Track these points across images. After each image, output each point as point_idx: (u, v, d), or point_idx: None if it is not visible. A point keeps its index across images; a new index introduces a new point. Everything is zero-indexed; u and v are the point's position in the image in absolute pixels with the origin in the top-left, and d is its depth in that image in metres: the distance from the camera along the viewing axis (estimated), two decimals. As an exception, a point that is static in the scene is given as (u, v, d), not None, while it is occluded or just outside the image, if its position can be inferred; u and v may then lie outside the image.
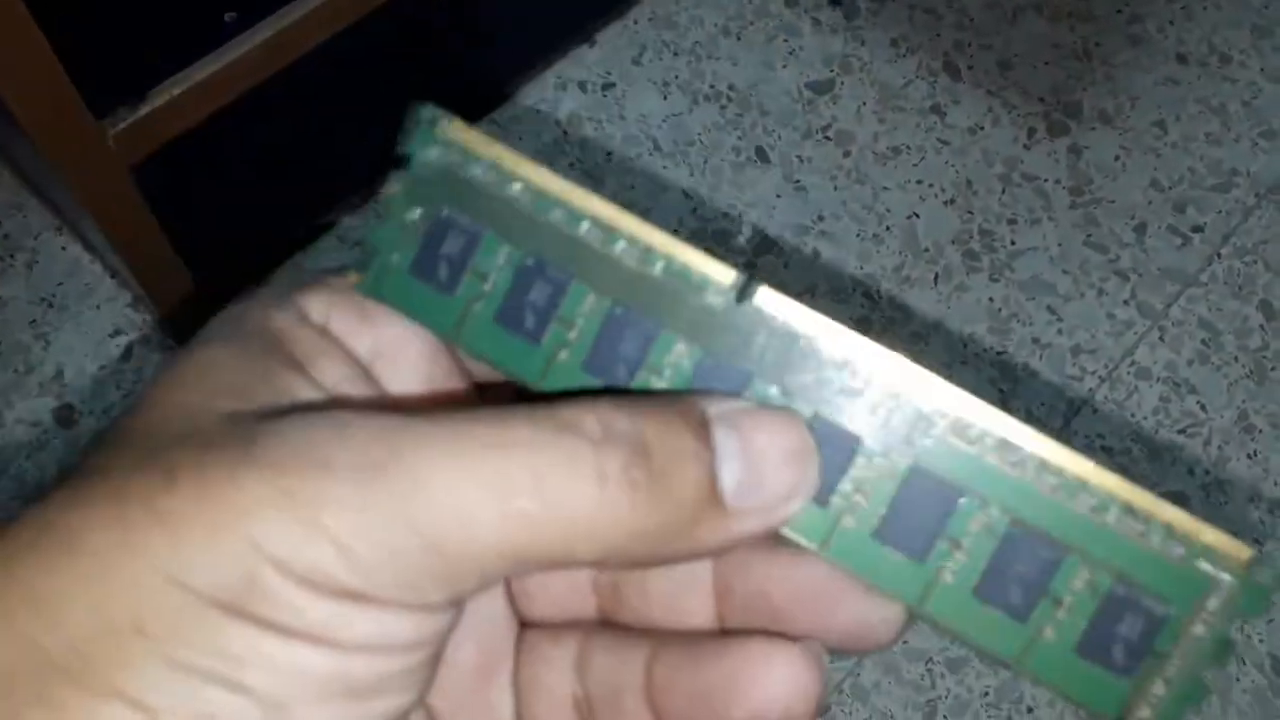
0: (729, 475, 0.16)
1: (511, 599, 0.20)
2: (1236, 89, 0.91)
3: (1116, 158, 0.87)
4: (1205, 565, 0.16)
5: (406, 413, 0.16)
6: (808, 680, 0.17)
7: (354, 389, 0.18)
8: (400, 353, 0.18)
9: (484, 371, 0.19)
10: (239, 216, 0.75)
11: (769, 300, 0.17)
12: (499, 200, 0.17)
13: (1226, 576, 0.16)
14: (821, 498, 0.17)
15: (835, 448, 0.17)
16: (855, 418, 0.17)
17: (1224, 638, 0.16)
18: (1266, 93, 0.91)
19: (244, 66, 0.61)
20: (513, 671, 0.20)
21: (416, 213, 0.18)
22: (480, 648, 0.20)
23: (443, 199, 0.18)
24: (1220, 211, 0.86)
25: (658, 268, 0.17)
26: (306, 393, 0.17)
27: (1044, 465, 0.16)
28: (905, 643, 0.70)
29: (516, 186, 0.17)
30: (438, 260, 0.18)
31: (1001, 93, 0.89)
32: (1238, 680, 0.70)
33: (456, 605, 0.16)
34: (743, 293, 0.17)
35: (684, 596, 0.19)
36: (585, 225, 0.17)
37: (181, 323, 0.74)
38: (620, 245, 0.17)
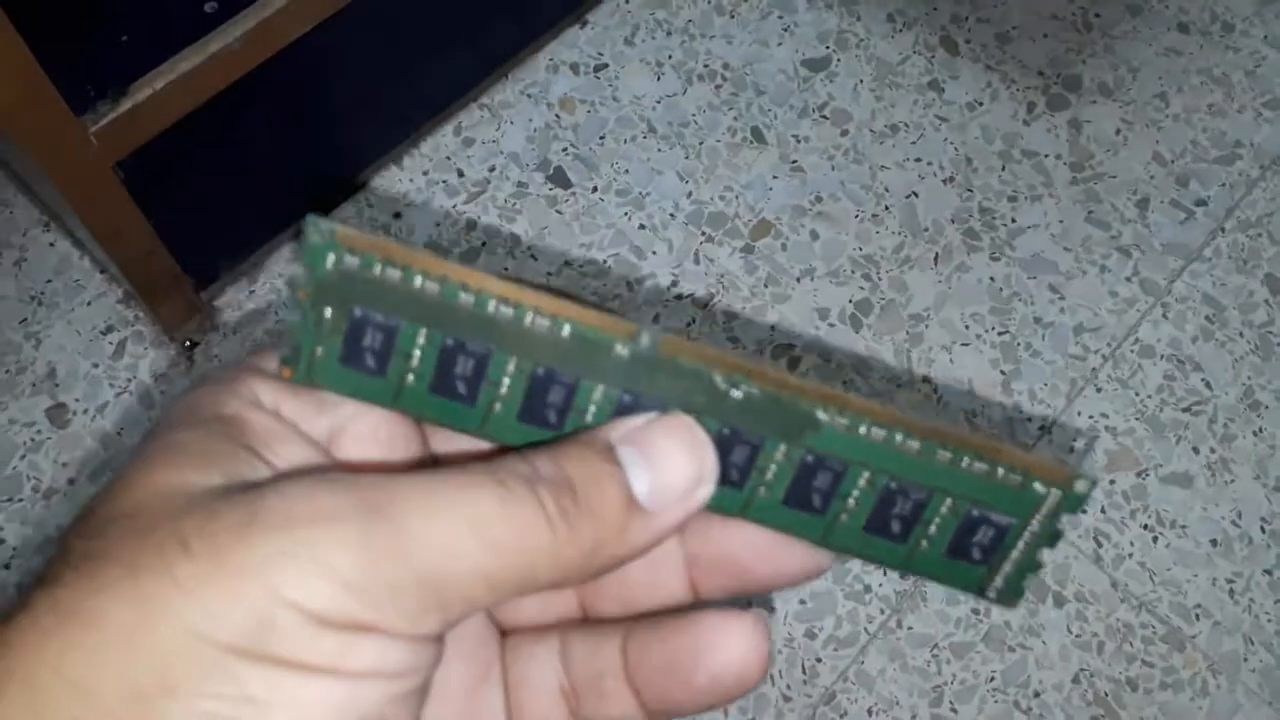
0: (640, 483, 0.19)
1: (491, 612, 0.22)
2: (1239, 58, 0.90)
3: (1118, 131, 0.86)
4: (1038, 485, 0.20)
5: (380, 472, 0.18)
6: (757, 642, 0.20)
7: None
8: (357, 424, 0.20)
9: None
10: (229, 209, 0.74)
11: (668, 346, 0.19)
12: (406, 293, 0.19)
13: (1054, 490, 0.20)
14: (739, 483, 0.20)
15: (744, 447, 0.20)
16: (757, 420, 0.20)
17: (1053, 530, 0.21)
18: (1270, 61, 0.90)
19: (227, 58, 0.60)
20: (501, 675, 0.22)
21: (330, 312, 0.19)
22: (468, 665, 0.22)
23: (352, 299, 0.19)
24: (1224, 184, 0.84)
25: (565, 331, 0.19)
26: (267, 474, 0.19)
27: (909, 434, 0.20)
28: (910, 629, 0.69)
29: (418, 280, 0.19)
30: (363, 351, 0.19)
31: (1000, 67, 0.88)
32: (1245, 660, 0.69)
33: (446, 630, 0.18)
34: (644, 344, 0.19)
35: (659, 572, 0.22)
36: (492, 304, 0.19)
37: (173, 317, 0.73)
38: (529, 317, 0.19)
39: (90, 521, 0.18)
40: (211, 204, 0.71)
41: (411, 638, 0.17)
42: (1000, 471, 0.20)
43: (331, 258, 0.19)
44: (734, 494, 0.20)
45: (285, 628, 0.16)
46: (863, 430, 0.20)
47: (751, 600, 0.66)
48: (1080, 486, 0.20)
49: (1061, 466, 0.20)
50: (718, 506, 0.20)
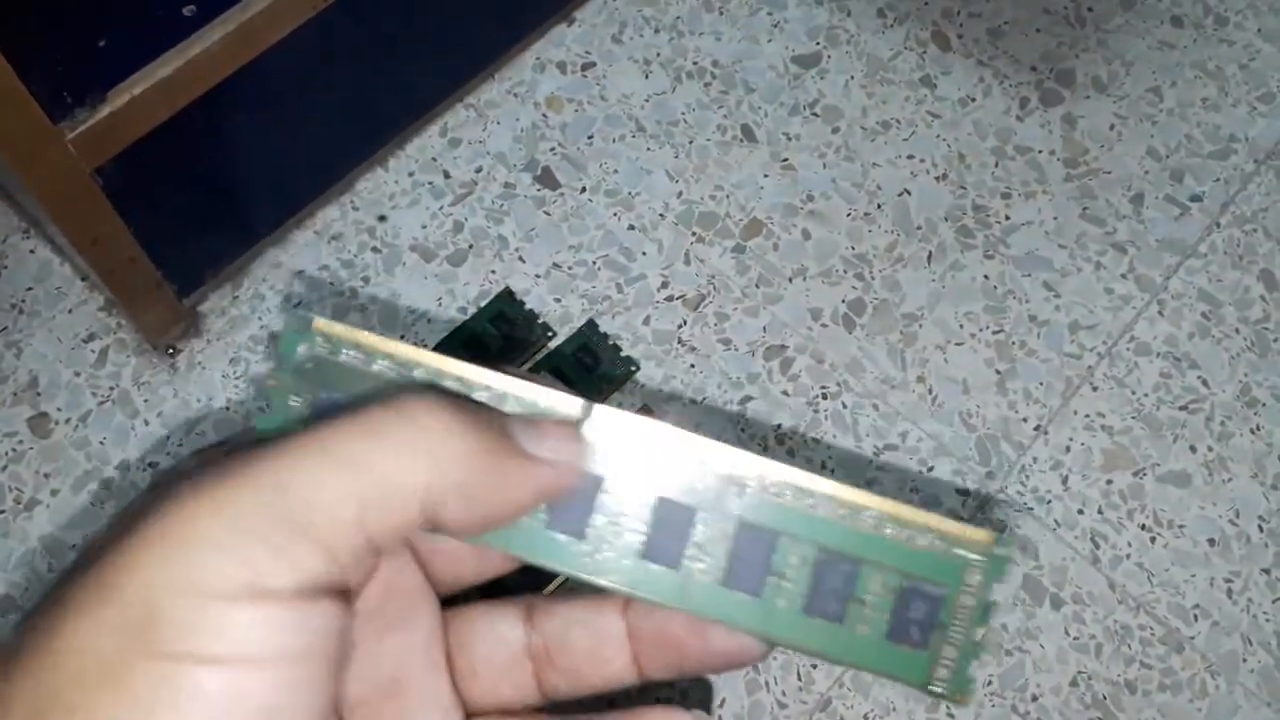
0: (520, 433, 0.20)
1: (455, 683, 0.22)
2: (1233, 51, 0.89)
3: (1112, 126, 0.85)
4: (961, 552, 0.21)
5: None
6: None
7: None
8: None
9: None
10: (210, 214, 0.72)
11: (605, 417, 0.21)
12: (368, 376, 0.21)
13: (977, 556, 0.21)
14: (674, 561, 0.21)
15: (677, 519, 0.21)
16: (690, 494, 0.21)
17: (987, 602, 0.21)
18: (1264, 54, 0.89)
19: (207, 62, 0.59)
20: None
21: (298, 400, 0.21)
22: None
23: (319, 384, 0.21)
24: (1219, 179, 0.84)
25: (509, 405, 0.21)
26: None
27: (832, 500, 0.21)
28: (906, 632, 0.69)
29: (381, 361, 0.21)
30: None
31: (992, 62, 0.87)
32: (1244, 660, 0.69)
33: (332, 573, 0.18)
34: (584, 417, 0.21)
35: (603, 646, 0.22)
36: (449, 382, 0.21)
37: (156, 324, 0.72)
38: (481, 394, 0.21)
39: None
40: (193, 209, 0.70)
41: (304, 598, 0.18)
42: (927, 539, 0.21)
43: (306, 346, 0.21)
44: (677, 578, 0.21)
45: (170, 616, 0.17)
46: (788, 498, 0.21)
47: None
48: (1000, 550, 0.21)
49: (984, 531, 0.21)
50: (663, 594, 0.21)
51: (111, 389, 0.73)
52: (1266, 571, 0.71)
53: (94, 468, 0.71)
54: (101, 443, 0.71)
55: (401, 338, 0.76)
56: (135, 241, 0.64)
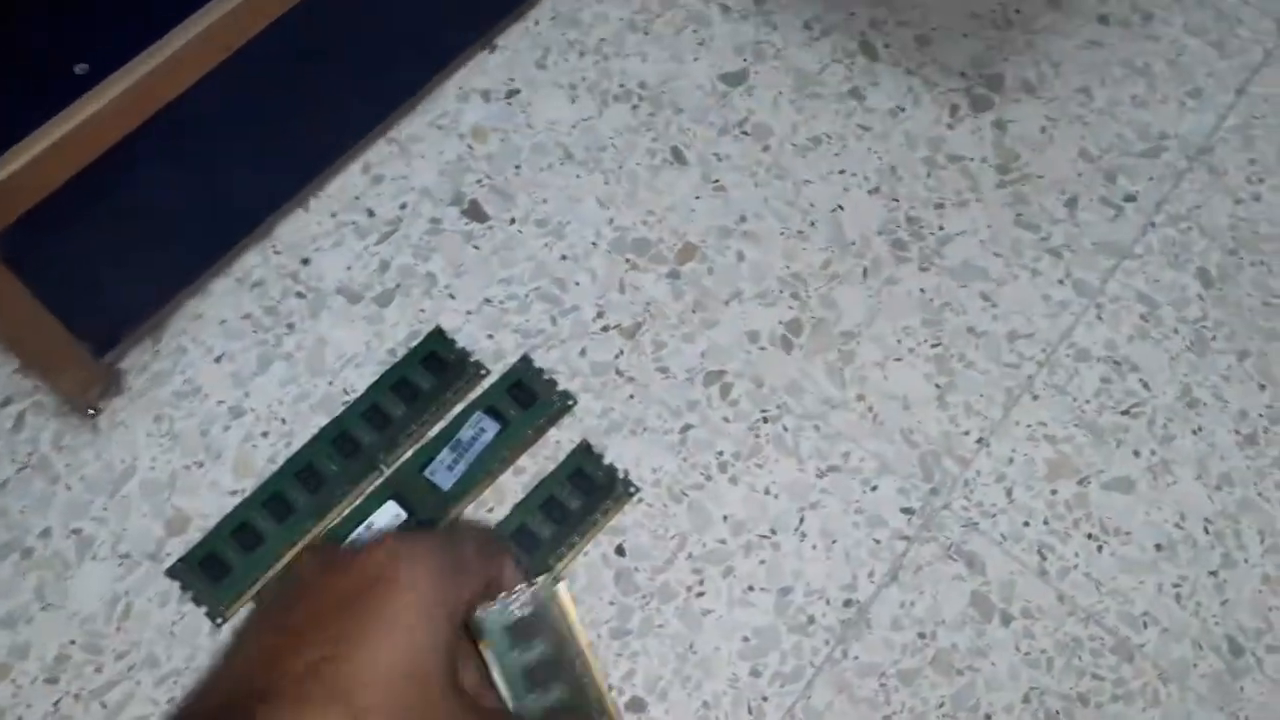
0: None
1: None
2: (1160, 47, 0.89)
3: (1043, 129, 0.85)
4: None
5: None
6: None
7: None
8: None
9: None
10: (123, 270, 0.70)
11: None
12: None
13: None
14: None
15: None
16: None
17: None
18: (1191, 49, 0.89)
19: (104, 122, 0.57)
20: None
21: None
22: None
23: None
24: (1151, 178, 0.83)
25: None
26: None
27: None
28: (856, 658, 0.68)
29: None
30: None
31: (921, 70, 0.86)
32: (1195, 666, 0.68)
33: None
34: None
35: None
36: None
37: (73, 386, 0.70)
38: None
39: None
40: (104, 268, 0.68)
41: None
42: None
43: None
44: None
45: None
46: None
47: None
48: None
49: None
50: None
51: (30, 454, 0.71)
52: (1214, 574, 0.71)
53: (14, 537, 0.68)
54: (21, 511, 0.69)
55: (330, 384, 0.74)
56: (41, 306, 0.62)
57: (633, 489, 0.71)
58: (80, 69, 0.57)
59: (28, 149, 0.55)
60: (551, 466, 0.71)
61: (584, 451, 0.72)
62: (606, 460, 0.72)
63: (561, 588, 0.60)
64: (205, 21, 0.59)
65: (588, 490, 0.70)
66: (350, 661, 0.23)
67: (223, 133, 0.71)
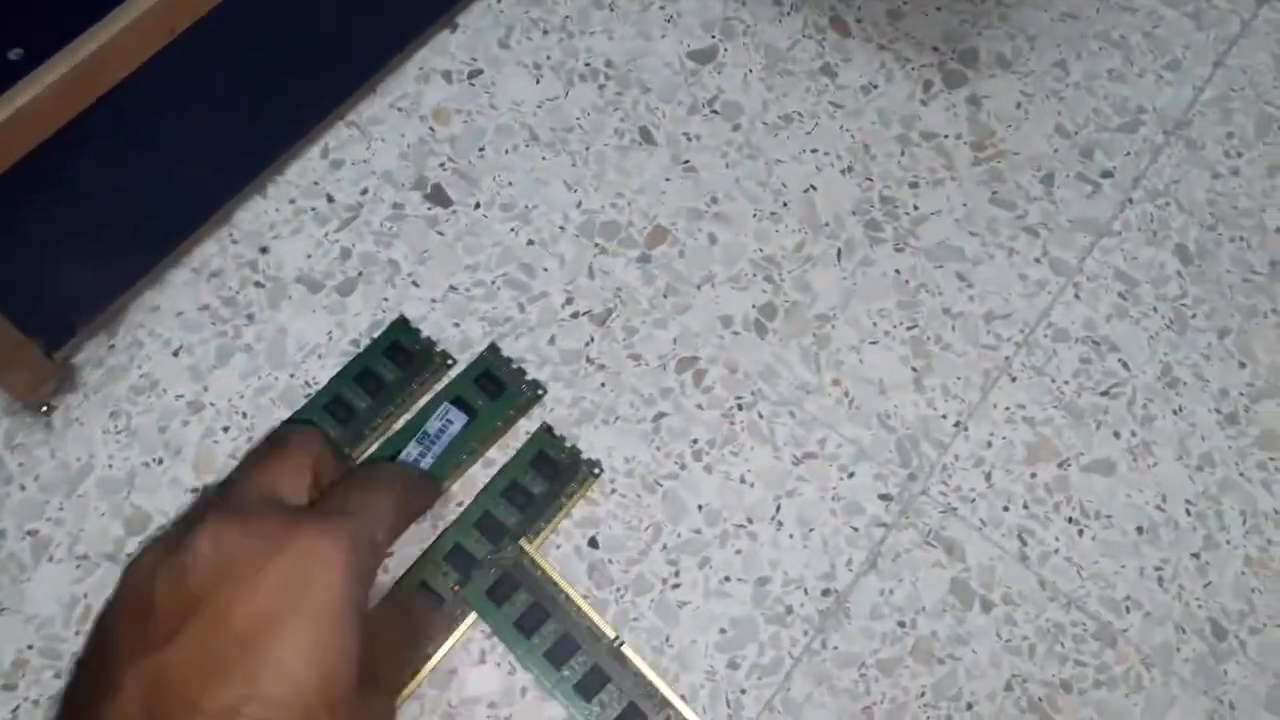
0: None
1: None
2: (1137, 19, 0.87)
3: (1018, 105, 0.83)
4: None
5: None
6: None
7: None
8: None
9: None
10: (73, 263, 0.68)
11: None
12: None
13: None
14: None
15: None
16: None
17: None
18: (1168, 20, 0.87)
19: (41, 110, 0.55)
20: None
21: None
22: None
23: None
24: (1129, 153, 0.82)
25: None
26: None
27: None
28: (835, 649, 0.67)
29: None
30: None
31: (893, 45, 0.84)
32: (1178, 650, 0.67)
33: None
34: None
35: None
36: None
37: (23, 384, 0.68)
38: None
39: None
40: (51, 261, 0.66)
41: None
42: None
43: None
44: None
45: None
46: None
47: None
48: None
49: None
50: None
51: (-19, 455, 0.68)
52: (1196, 556, 0.70)
53: (-34, 543, 0.66)
54: (-27, 514, 0.67)
55: (291, 376, 0.72)
56: (-15, 303, 0.60)
57: (597, 470, 0.69)
58: (15, 54, 0.54)
59: (-38, 139, 0.53)
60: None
61: (545, 434, 0.70)
62: (569, 443, 0.70)
63: (522, 543, 0.65)
64: (147, 3, 0.56)
65: (551, 475, 0.69)
66: (264, 701, 0.23)
67: (174, 118, 0.68)
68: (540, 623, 0.64)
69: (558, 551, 0.68)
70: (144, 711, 0.23)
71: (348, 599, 0.26)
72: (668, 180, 0.79)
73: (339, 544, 0.26)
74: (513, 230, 0.77)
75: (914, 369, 0.74)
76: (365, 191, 0.77)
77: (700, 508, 0.70)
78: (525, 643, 0.61)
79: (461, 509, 0.67)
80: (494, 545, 0.66)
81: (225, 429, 0.70)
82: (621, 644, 0.63)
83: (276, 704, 0.23)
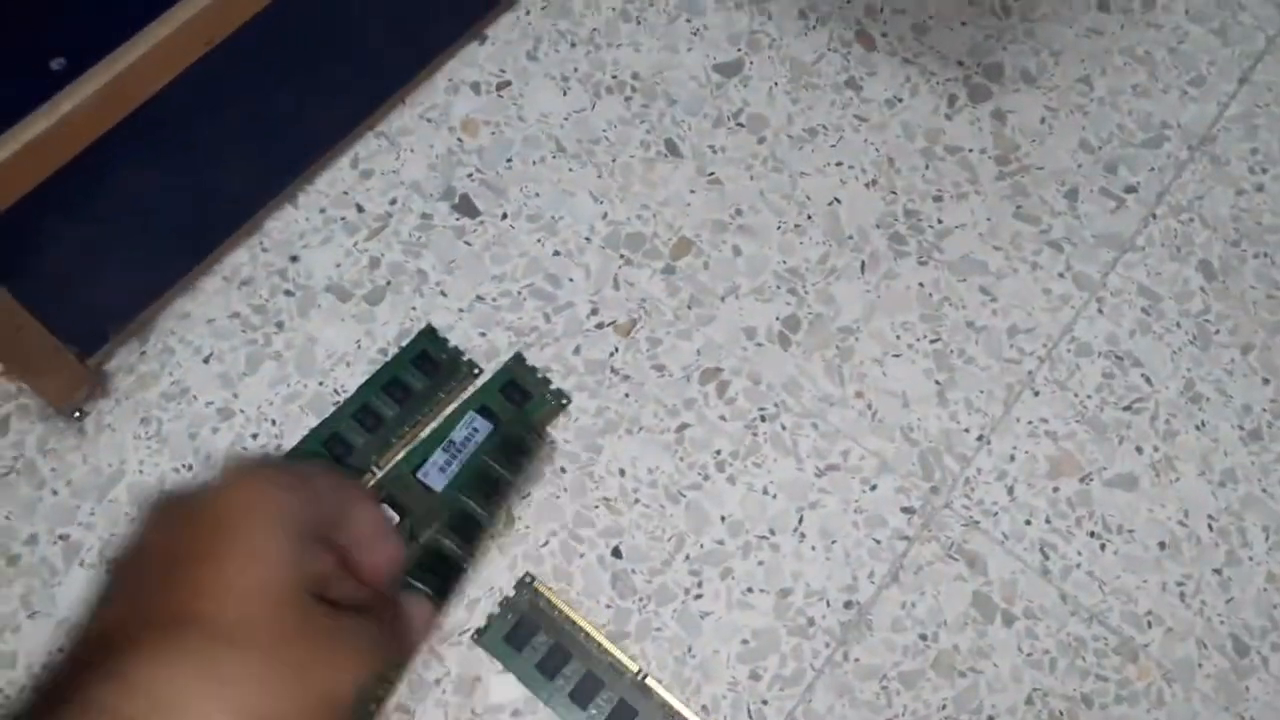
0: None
1: None
2: (1162, 35, 0.87)
3: (1042, 120, 0.83)
4: None
5: None
6: None
7: None
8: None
9: None
10: (107, 270, 0.69)
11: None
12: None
13: None
14: None
15: None
16: None
17: None
18: (1193, 36, 0.87)
19: (82, 119, 0.56)
20: None
21: None
22: None
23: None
24: (1153, 169, 0.82)
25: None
26: None
27: None
28: (857, 661, 0.67)
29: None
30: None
31: (918, 60, 0.85)
32: (1200, 666, 0.68)
33: None
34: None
35: None
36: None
37: (58, 389, 0.69)
38: None
39: None
40: (86, 269, 0.67)
41: None
42: None
43: None
44: None
45: None
46: None
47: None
48: None
49: None
50: None
51: (16, 459, 0.69)
52: (1218, 572, 0.70)
53: (-1, 545, 0.67)
54: (7, 517, 0.68)
55: (320, 384, 0.73)
56: (22, 309, 0.61)
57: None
58: (57, 64, 0.55)
59: (4, 148, 0.54)
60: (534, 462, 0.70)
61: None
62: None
63: (538, 585, 0.66)
64: (185, 14, 0.57)
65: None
66: (207, 597, 0.25)
67: (208, 127, 0.69)
68: (563, 663, 0.65)
69: (581, 561, 0.68)
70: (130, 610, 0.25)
71: (282, 509, 0.27)
72: (693, 192, 0.80)
73: (271, 473, 0.27)
74: (539, 241, 0.78)
75: (937, 382, 0.74)
76: (394, 201, 0.78)
77: (723, 519, 0.70)
78: (549, 685, 0.62)
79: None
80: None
81: (254, 435, 0.71)
82: (645, 676, 0.64)
83: (210, 600, 0.25)
